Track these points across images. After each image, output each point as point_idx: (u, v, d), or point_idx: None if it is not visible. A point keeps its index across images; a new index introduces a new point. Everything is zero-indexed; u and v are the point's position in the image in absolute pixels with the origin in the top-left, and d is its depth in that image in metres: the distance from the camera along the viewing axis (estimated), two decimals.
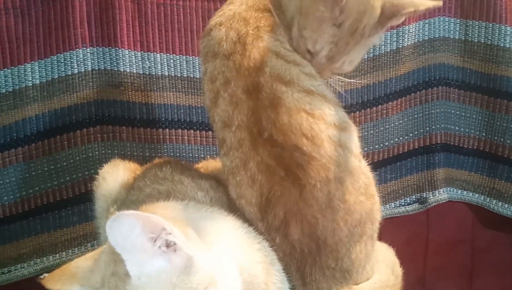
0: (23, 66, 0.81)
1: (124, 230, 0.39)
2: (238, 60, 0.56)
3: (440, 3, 0.59)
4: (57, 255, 0.87)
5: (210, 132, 0.88)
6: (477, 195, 0.95)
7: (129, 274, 0.42)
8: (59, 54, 0.82)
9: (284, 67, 0.56)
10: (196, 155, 0.89)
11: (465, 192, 0.96)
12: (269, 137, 0.55)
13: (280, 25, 0.59)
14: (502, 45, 0.88)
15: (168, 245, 0.41)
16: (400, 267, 0.67)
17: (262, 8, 0.59)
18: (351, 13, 0.54)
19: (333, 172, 0.54)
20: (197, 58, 0.86)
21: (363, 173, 0.58)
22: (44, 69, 0.82)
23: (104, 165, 0.73)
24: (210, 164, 0.74)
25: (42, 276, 0.47)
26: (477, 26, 0.89)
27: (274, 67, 0.56)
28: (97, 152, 0.86)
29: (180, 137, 0.89)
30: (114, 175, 0.67)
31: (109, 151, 0.86)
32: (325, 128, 0.55)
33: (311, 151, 0.54)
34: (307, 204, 0.54)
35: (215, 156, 0.87)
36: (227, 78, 0.57)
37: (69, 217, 0.86)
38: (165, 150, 0.88)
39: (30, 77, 0.82)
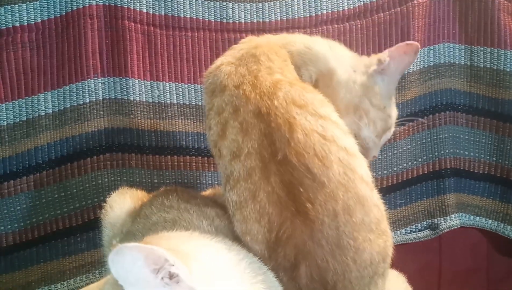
0: (36, 96, 0.83)
1: (126, 263, 0.40)
2: (249, 88, 0.55)
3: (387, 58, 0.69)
4: (65, 282, 0.86)
5: None
6: (490, 221, 0.93)
7: None
8: (71, 84, 0.84)
9: (299, 92, 0.55)
10: (204, 181, 0.90)
11: (478, 217, 0.94)
12: (283, 158, 0.52)
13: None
14: (508, 70, 0.88)
15: (171, 276, 0.41)
16: None
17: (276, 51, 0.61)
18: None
19: (342, 200, 0.51)
20: None
21: (375, 205, 0.54)
22: (56, 99, 0.84)
23: (113, 192, 0.73)
24: (217, 191, 0.74)
25: None
26: (482, 52, 0.89)
27: (289, 92, 0.55)
28: (106, 179, 0.87)
29: (188, 164, 0.89)
30: (121, 203, 0.68)
31: (118, 178, 0.87)
32: (336, 150, 0.53)
33: (320, 175, 0.51)
34: (318, 245, 0.51)
35: None
36: (236, 106, 0.55)
37: (78, 244, 0.87)
38: (173, 177, 0.89)
39: (43, 106, 0.84)
